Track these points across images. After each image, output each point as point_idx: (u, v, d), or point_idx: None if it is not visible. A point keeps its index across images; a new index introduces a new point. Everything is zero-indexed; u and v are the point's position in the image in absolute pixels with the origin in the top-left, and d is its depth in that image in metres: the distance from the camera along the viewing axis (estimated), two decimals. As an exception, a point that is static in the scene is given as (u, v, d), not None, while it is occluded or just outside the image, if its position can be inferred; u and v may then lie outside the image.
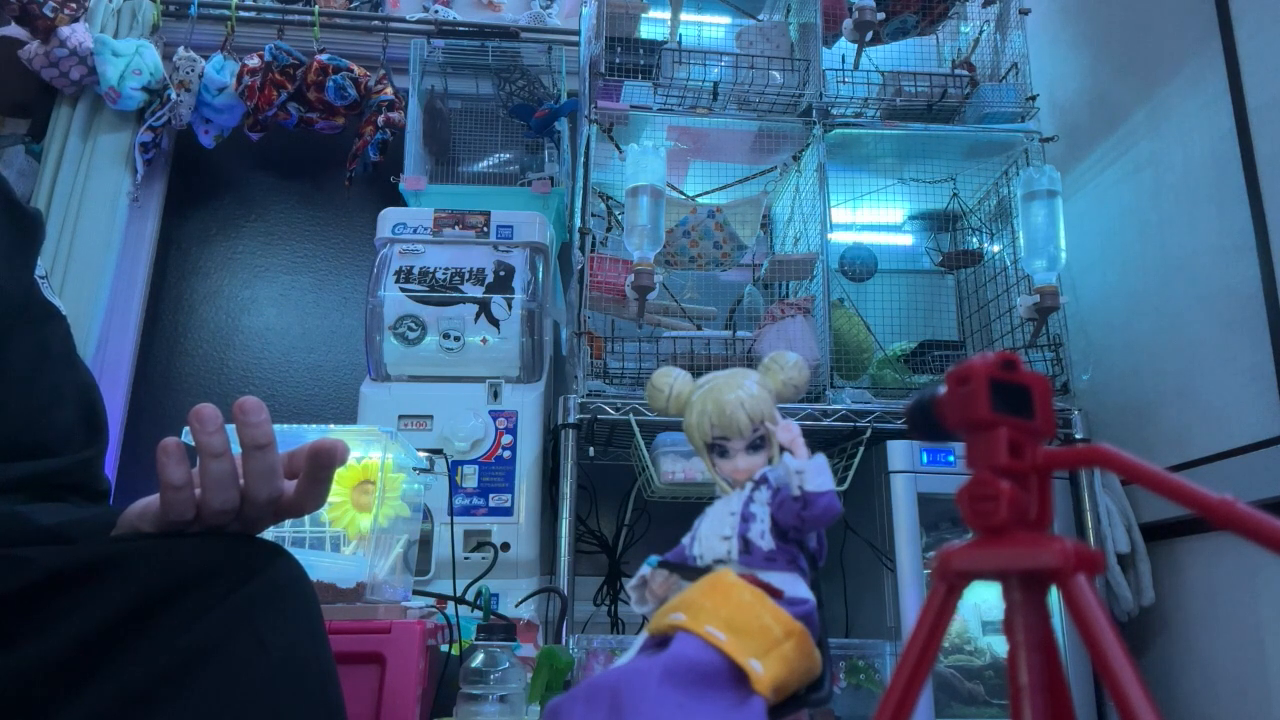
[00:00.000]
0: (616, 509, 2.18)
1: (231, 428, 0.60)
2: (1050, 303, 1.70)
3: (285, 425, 0.98)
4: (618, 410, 1.73)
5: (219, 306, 2.54)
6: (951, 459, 1.71)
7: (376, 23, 2.53)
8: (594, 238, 1.93)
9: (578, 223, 1.91)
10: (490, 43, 2.42)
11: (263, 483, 0.61)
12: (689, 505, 1.76)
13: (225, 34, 2.43)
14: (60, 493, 0.72)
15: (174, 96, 2.32)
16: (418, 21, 2.50)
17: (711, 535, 0.70)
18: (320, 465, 0.61)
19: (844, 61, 1.98)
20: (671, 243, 1.89)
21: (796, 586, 0.66)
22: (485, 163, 2.46)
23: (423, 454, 1.24)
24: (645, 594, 0.72)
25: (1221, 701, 1.59)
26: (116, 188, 2.34)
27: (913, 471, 1.69)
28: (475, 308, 1.85)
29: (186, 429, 0.60)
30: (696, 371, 0.76)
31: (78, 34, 2.27)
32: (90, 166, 2.33)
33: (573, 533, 1.69)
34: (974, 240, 2.18)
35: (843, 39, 1.99)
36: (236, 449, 0.61)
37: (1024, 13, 2.05)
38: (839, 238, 2.15)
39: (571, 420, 1.73)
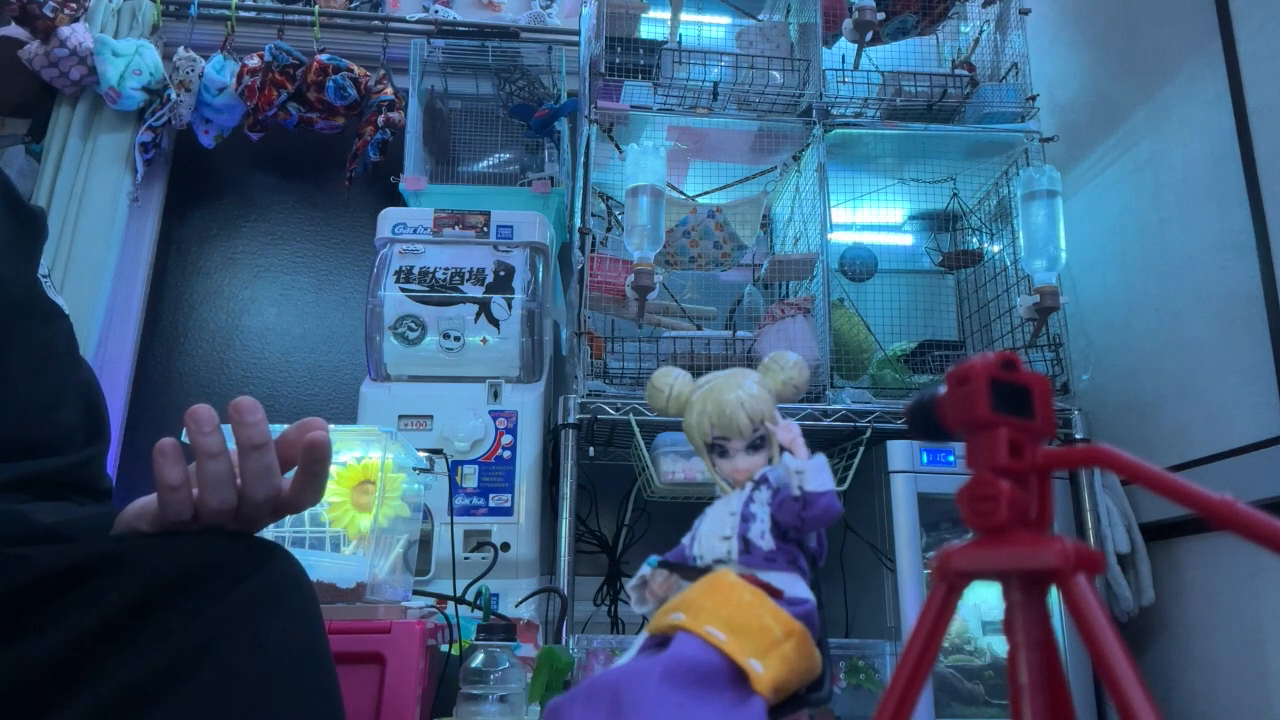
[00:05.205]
0: (616, 509, 2.18)
1: (228, 427, 0.60)
2: (1050, 303, 1.70)
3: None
4: (618, 410, 1.73)
5: (219, 306, 2.54)
6: (951, 459, 1.71)
7: (376, 23, 2.53)
8: (594, 238, 1.93)
9: (578, 223, 1.91)
10: (490, 43, 2.42)
11: (260, 482, 0.61)
12: (689, 505, 1.76)
13: (225, 34, 2.43)
14: (62, 491, 0.72)
15: (174, 96, 2.32)
16: (418, 21, 2.50)
17: (711, 535, 0.70)
18: (315, 459, 0.62)
19: (844, 61, 1.98)
20: (671, 243, 1.88)
21: (796, 586, 0.66)
22: (485, 163, 2.46)
23: (423, 454, 1.24)
24: (645, 594, 0.72)
25: (1221, 701, 1.59)
26: (116, 188, 2.34)
27: (913, 471, 1.69)
28: (475, 308, 1.85)
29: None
30: (696, 371, 0.76)
31: (78, 34, 2.27)
32: (90, 166, 2.33)
33: (573, 533, 1.69)
34: (974, 240, 2.18)
35: (843, 39, 1.99)
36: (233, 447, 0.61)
37: (1024, 13, 2.05)
38: (839, 238, 2.15)
39: (571, 420, 1.73)
